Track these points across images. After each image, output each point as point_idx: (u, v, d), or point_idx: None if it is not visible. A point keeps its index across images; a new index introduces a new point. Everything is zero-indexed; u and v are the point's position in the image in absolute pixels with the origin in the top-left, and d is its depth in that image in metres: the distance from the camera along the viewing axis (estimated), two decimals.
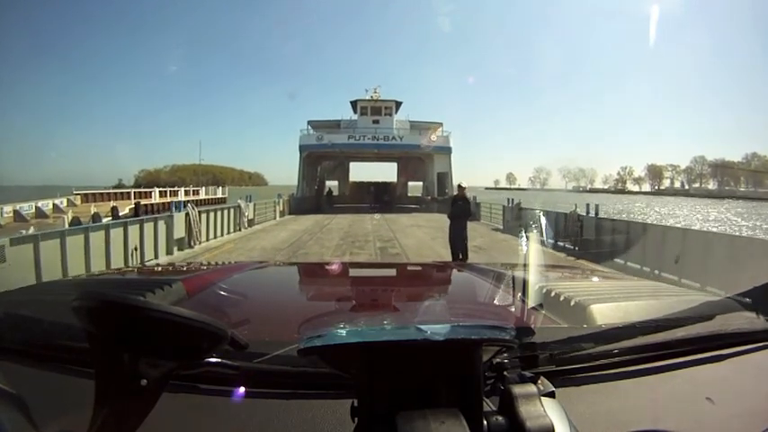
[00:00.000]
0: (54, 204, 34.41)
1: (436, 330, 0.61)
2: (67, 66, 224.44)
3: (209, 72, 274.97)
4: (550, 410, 0.67)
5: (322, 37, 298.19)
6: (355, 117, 37.77)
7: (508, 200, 20.03)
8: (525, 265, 1.49)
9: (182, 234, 13.00)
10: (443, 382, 0.64)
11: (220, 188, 68.51)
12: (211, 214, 15.86)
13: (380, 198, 37.66)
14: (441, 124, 37.95)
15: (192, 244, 13.48)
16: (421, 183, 40.21)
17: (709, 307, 1.25)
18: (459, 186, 11.17)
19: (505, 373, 0.80)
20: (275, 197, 25.77)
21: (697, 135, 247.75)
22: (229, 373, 0.83)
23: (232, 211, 17.98)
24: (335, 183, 43.23)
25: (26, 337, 0.98)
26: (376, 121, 36.16)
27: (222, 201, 49.75)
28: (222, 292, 1.55)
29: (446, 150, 34.76)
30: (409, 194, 43.32)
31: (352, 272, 2.47)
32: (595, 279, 2.05)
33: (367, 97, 37.93)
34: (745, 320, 1.17)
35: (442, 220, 22.91)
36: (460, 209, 10.60)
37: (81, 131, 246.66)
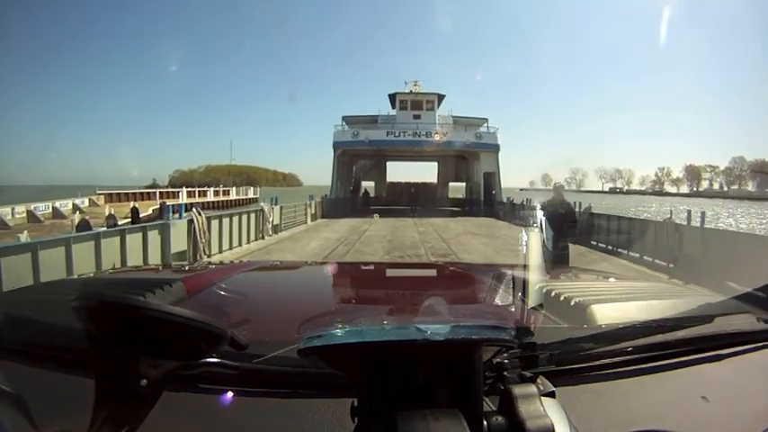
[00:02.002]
0: (74, 204, 32.40)
1: (436, 330, 0.61)
2: (102, 66, 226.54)
3: (243, 71, 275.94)
4: (550, 410, 0.67)
5: (359, 31, 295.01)
6: (393, 112, 34.79)
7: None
8: (525, 266, 1.40)
9: (183, 247, 10.64)
10: (443, 382, 0.65)
11: (252, 188, 66.46)
12: (226, 220, 13.19)
13: (420, 200, 34.72)
14: (486, 120, 34.63)
15: (199, 257, 11.11)
16: (463, 184, 37.85)
17: (710, 307, 1.26)
18: (557, 187, 8.00)
19: (505, 373, 0.80)
20: (307, 199, 23.40)
21: (737, 134, 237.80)
22: (229, 373, 0.83)
23: (253, 215, 15.35)
24: (371, 183, 40.50)
25: (26, 337, 0.98)
26: (417, 116, 33.07)
27: (254, 201, 48.21)
28: (222, 292, 1.54)
29: (494, 148, 31.85)
30: (450, 196, 40.75)
31: (352, 272, 2.46)
32: (595, 279, 2.07)
33: (407, 90, 34.94)
34: (745, 321, 1.17)
35: (496, 227, 20.92)
36: (562, 219, 7.59)
37: (115, 132, 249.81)
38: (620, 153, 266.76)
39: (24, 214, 26.37)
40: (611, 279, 2.07)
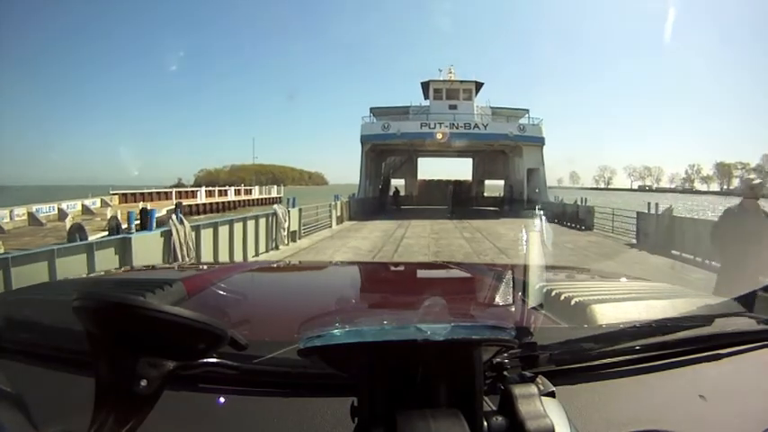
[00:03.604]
0: (83, 205, 29.90)
1: (436, 330, 0.61)
2: (128, 66, 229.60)
3: (269, 68, 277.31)
4: (550, 410, 0.67)
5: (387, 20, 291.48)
6: (426, 102, 31.62)
7: (648, 204, 14.56)
8: (525, 266, 1.34)
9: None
10: (443, 382, 0.65)
11: (275, 187, 63.91)
12: (224, 229, 10.36)
13: (459, 199, 31.50)
14: (526, 110, 31.13)
15: None
16: (501, 181, 34.34)
17: (709, 307, 1.28)
18: (751, 186, 4.71)
19: (505, 372, 0.80)
20: (333, 199, 20.36)
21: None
22: (229, 373, 0.83)
23: (263, 220, 12.41)
24: (401, 181, 36.78)
25: (26, 337, 0.99)
26: (453, 107, 29.82)
27: (277, 201, 44.96)
28: (222, 292, 1.54)
29: (538, 141, 28.48)
30: (485, 194, 37.36)
31: (352, 272, 2.49)
32: (595, 279, 2.07)
33: (441, 78, 31.61)
34: (745, 321, 1.17)
35: (560, 234, 17.39)
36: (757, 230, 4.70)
37: (143, 133, 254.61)
38: (650, 150, 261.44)
39: (25, 216, 24.07)
40: (611, 279, 2.07)
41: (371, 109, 31.00)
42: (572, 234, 17.45)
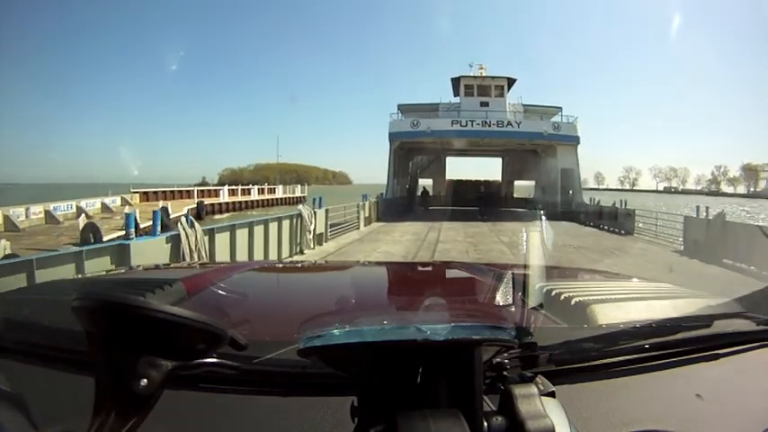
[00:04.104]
0: (103, 203, 28.91)
1: (436, 330, 0.61)
2: (151, 65, 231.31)
3: (292, 67, 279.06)
4: (550, 410, 0.67)
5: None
6: (455, 100, 30.65)
7: (697, 208, 13.80)
8: (525, 266, 1.38)
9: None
10: (443, 382, 0.65)
11: (299, 186, 63.00)
12: (242, 232, 9.23)
13: (490, 201, 31.16)
14: (559, 109, 30.04)
15: None
16: (531, 182, 33.27)
17: (709, 308, 1.28)
18: None
19: (505, 372, 0.80)
20: (361, 198, 19.20)
21: None
22: (229, 373, 0.83)
23: (287, 222, 11.35)
24: (429, 181, 35.56)
25: (26, 337, 0.98)
26: (484, 104, 28.71)
27: (301, 200, 45.10)
28: (222, 292, 1.53)
29: (573, 140, 27.14)
30: (515, 195, 35.77)
31: (352, 271, 2.44)
32: (595, 279, 2.05)
33: (472, 74, 30.42)
34: (745, 322, 1.17)
35: (601, 239, 16.35)
36: None
37: (167, 133, 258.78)
38: (675, 151, 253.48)
39: (42, 214, 23.30)
40: (611, 279, 2.06)
41: (399, 106, 29.97)
42: (613, 239, 16.65)
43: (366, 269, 2.62)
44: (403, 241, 14.50)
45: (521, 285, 1.34)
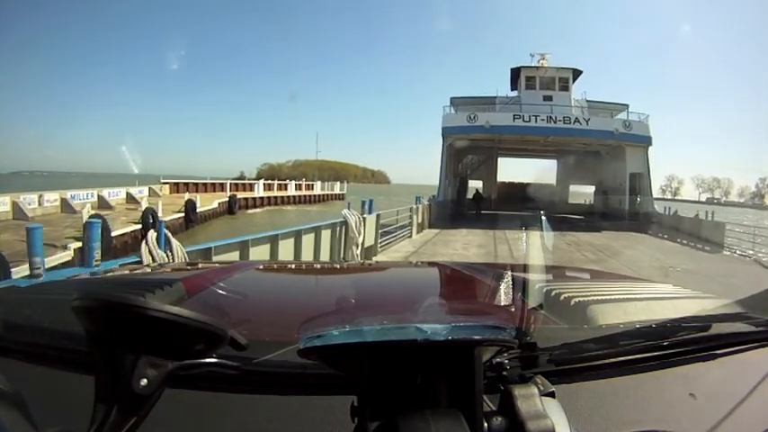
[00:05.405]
0: (128, 193, 27.23)
1: (436, 330, 0.61)
2: (196, 64, 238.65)
3: (334, 64, 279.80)
4: (550, 410, 0.67)
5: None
6: (512, 93, 27.65)
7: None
8: (525, 266, 1.41)
9: None
10: (443, 382, 0.65)
11: (338, 184, 60.94)
12: (255, 251, 6.70)
13: (548, 206, 27.03)
14: (626, 106, 26.63)
15: None
16: (587, 187, 30.99)
17: (709, 309, 1.28)
18: None
19: (505, 373, 0.80)
20: (414, 201, 16.78)
21: None
22: (229, 373, 0.83)
23: (327, 232, 9.02)
24: (479, 183, 31.62)
25: (26, 337, 0.98)
26: (547, 98, 25.41)
27: (340, 198, 44.63)
28: (222, 292, 1.52)
29: (644, 141, 24.03)
30: (570, 201, 32.52)
31: (352, 272, 2.45)
32: (595, 279, 2.05)
33: (533, 64, 27.02)
34: (744, 323, 1.16)
35: (696, 259, 13.48)
36: None
37: (210, 127, 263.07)
38: (718, 160, 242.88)
39: (58, 202, 21.63)
40: (612, 279, 2.09)
41: (452, 99, 26.99)
42: (709, 259, 13.82)
43: (366, 269, 2.64)
44: (470, 257, 11.76)
45: (521, 285, 1.34)
